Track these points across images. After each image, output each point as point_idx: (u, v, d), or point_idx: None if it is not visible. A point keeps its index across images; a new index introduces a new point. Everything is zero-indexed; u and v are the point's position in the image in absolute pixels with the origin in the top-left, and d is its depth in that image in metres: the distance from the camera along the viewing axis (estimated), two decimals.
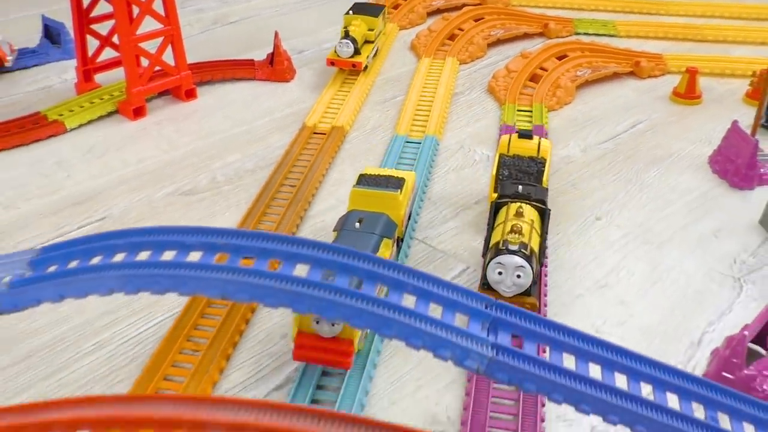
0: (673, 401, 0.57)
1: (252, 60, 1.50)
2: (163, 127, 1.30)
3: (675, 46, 1.66)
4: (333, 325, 0.70)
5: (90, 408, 0.47)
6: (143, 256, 0.59)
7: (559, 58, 1.50)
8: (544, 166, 0.99)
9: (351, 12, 1.48)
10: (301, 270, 0.58)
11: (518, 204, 0.87)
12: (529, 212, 0.87)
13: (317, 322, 0.70)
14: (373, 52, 1.49)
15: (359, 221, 0.82)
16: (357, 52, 1.42)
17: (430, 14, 1.80)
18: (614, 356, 0.58)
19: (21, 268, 0.62)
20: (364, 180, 0.92)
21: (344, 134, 1.27)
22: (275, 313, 0.88)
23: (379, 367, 0.79)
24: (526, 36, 1.68)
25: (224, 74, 1.46)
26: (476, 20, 1.69)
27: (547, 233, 0.89)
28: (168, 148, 1.23)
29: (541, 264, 0.86)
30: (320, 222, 1.05)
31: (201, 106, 1.38)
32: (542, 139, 1.03)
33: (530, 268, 0.79)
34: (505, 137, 1.04)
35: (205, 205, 1.08)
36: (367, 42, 1.47)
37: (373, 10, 1.50)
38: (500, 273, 0.79)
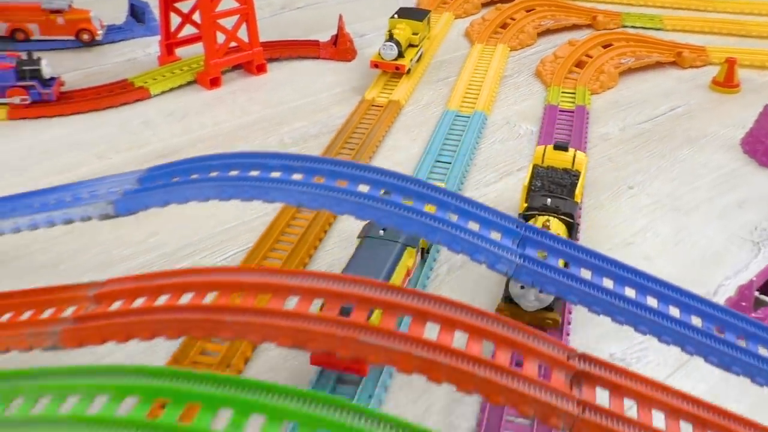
0: (674, 312, 0.67)
1: (317, 41, 1.63)
2: (237, 96, 1.43)
3: (719, 39, 1.73)
4: None
5: (193, 275, 0.59)
6: (233, 173, 0.71)
7: (605, 47, 1.59)
8: (578, 179, 0.97)
9: (396, 16, 1.51)
10: (363, 188, 0.69)
11: (545, 217, 0.85)
12: (557, 226, 0.85)
13: None
14: (417, 56, 1.51)
15: (383, 229, 0.80)
16: (401, 55, 1.43)
17: (485, 5, 1.90)
18: (626, 273, 0.68)
19: (131, 183, 0.75)
20: None
21: (400, 108, 1.39)
22: (332, 254, 1.00)
23: (395, 376, 0.78)
24: (574, 27, 1.77)
25: (291, 52, 1.59)
26: (528, 11, 1.79)
27: None
28: (241, 114, 1.36)
29: None
30: None
31: (270, 80, 1.51)
32: (578, 151, 1.02)
33: None
34: (540, 148, 1.03)
35: None
36: (411, 46, 1.49)
37: (418, 15, 1.53)
38: (522, 287, 0.77)
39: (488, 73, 1.52)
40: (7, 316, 0.63)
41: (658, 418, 0.54)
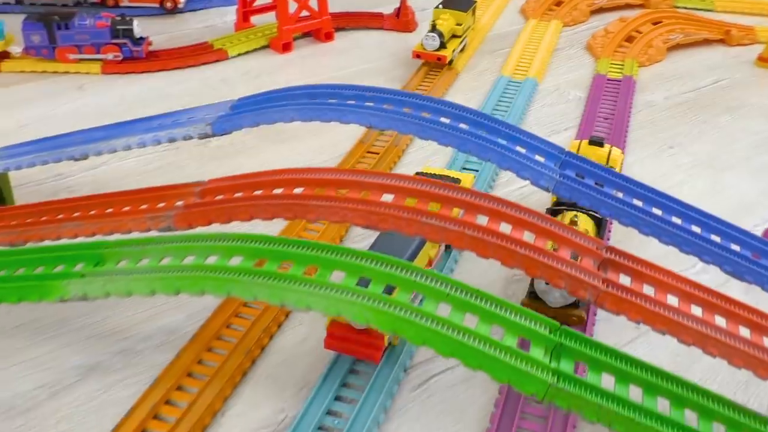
0: (696, 229, 0.76)
1: (381, 13, 1.74)
2: (306, 60, 1.56)
3: None
4: None
5: (283, 174, 0.71)
6: (315, 100, 0.83)
7: (655, 24, 1.67)
8: None
9: (440, 6, 1.50)
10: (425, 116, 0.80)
11: (573, 213, 0.82)
12: (585, 222, 0.81)
13: None
14: (460, 46, 1.50)
15: None
16: (443, 45, 1.43)
17: None
18: (655, 196, 0.78)
19: (224, 110, 0.87)
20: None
21: (456, 73, 1.49)
22: None
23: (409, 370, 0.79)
24: (627, 6, 1.85)
25: (357, 22, 1.71)
26: None
27: None
28: (310, 75, 1.49)
29: None
30: None
31: (337, 47, 1.63)
32: (614, 147, 0.98)
33: None
34: (575, 143, 0.98)
35: None
36: (454, 36, 1.48)
37: (463, 5, 1.51)
38: (548, 283, 0.71)
39: (541, 45, 1.61)
40: (127, 208, 0.75)
41: (672, 301, 0.64)
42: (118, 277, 0.60)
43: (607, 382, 0.57)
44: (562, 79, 1.50)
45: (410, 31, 1.70)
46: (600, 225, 0.84)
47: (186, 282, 0.58)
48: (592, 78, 1.49)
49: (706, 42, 1.66)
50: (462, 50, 1.55)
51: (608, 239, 0.96)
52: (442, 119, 0.79)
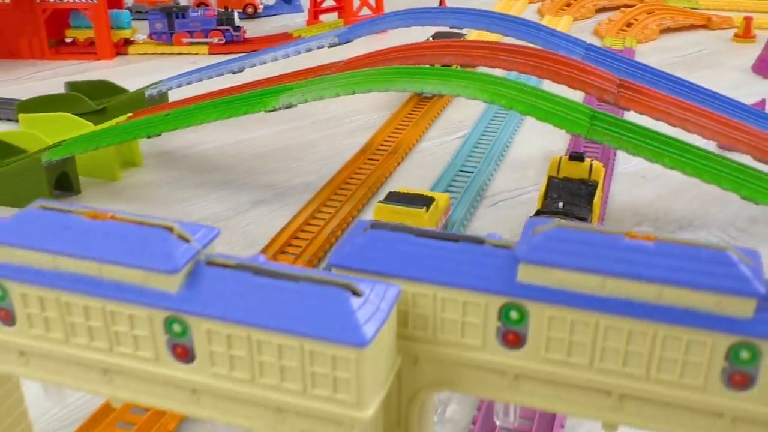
0: (685, 88, 1.11)
1: None
2: (369, 45, 1.93)
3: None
4: None
5: (405, 46, 1.06)
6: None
7: (649, 13, 2.05)
8: (595, 189, 0.92)
9: (430, 38, 1.67)
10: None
11: (556, 221, 0.82)
12: None
13: None
14: None
15: None
16: None
17: None
18: (654, 69, 1.13)
19: (345, 29, 1.23)
20: (392, 197, 0.89)
21: None
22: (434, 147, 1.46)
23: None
24: (626, 6, 2.24)
25: None
26: None
27: None
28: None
29: None
30: None
31: (388, 36, 2.00)
32: (594, 161, 0.96)
33: None
34: (555, 158, 0.96)
35: None
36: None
37: (456, 38, 1.66)
38: None
39: None
40: None
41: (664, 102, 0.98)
42: (311, 90, 0.94)
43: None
44: None
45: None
46: None
47: (359, 85, 0.92)
48: None
49: (692, 27, 2.04)
50: None
51: None
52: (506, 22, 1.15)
